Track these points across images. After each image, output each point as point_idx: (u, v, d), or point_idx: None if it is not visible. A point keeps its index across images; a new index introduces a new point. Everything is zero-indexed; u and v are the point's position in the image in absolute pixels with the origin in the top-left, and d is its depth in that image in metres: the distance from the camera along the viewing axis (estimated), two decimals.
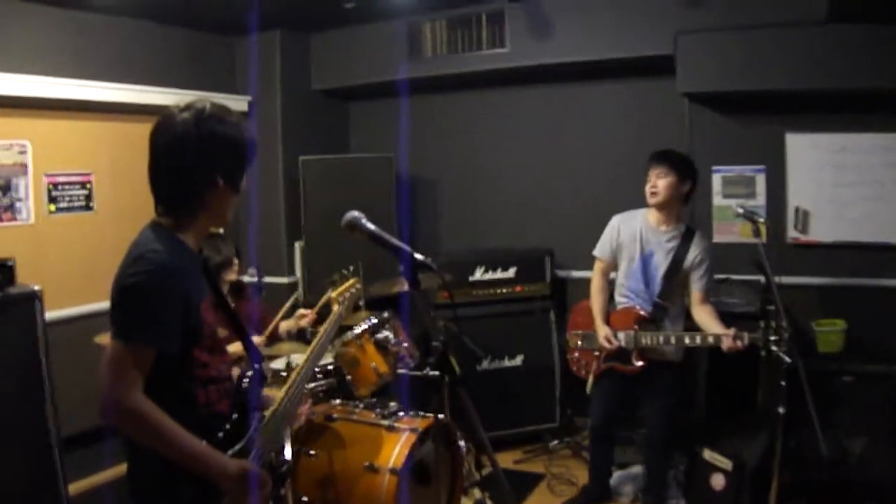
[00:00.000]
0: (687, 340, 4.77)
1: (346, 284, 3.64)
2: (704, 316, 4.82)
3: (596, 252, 5.30)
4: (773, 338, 4.31)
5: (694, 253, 4.87)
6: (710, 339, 4.64)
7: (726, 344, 4.52)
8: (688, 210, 5.19)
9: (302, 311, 5.17)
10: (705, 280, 4.87)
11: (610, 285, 5.26)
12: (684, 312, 5.02)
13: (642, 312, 4.96)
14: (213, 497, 2.44)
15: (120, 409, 2.26)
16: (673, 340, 4.81)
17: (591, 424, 5.47)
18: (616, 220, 5.20)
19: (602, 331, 5.07)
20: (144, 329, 2.31)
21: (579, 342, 5.31)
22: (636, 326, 4.93)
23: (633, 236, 5.06)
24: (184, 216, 2.53)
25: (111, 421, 2.28)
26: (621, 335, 4.96)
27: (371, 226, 2.73)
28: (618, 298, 5.17)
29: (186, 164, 2.47)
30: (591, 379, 5.21)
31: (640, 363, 4.94)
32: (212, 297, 2.63)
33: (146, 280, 2.32)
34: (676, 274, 4.89)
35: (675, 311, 4.98)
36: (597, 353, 5.13)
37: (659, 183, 4.90)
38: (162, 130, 2.50)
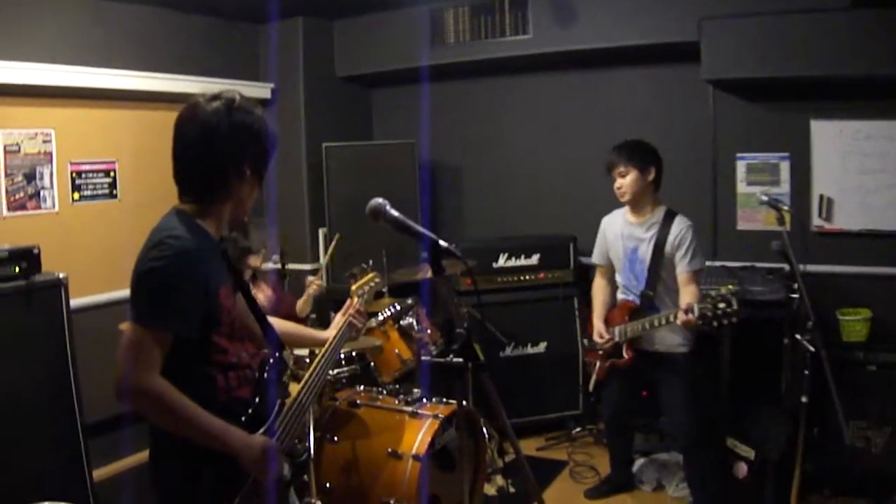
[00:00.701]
0: (655, 323, 4.69)
1: (366, 278, 3.65)
2: (685, 297, 4.67)
3: (593, 259, 5.36)
4: (721, 305, 4.24)
5: (673, 235, 4.77)
6: (671, 318, 4.55)
7: (680, 319, 4.44)
8: (663, 195, 5.02)
9: (310, 277, 5.21)
10: (687, 260, 4.72)
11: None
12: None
13: (633, 305, 4.94)
14: (235, 482, 2.47)
15: (139, 391, 2.29)
16: (648, 326, 4.73)
17: (604, 419, 5.50)
18: (603, 224, 5.23)
19: (596, 327, 5.08)
20: (163, 313, 2.34)
21: (586, 343, 5.37)
22: (626, 318, 4.92)
23: (617, 235, 5.05)
24: (209, 204, 2.56)
25: (129, 403, 2.31)
26: (615, 330, 4.96)
27: (395, 213, 2.72)
28: (619, 296, 5.15)
29: (217, 152, 2.50)
30: (593, 378, 5.24)
31: (628, 355, 4.92)
32: (232, 284, 2.64)
33: (166, 265, 2.34)
34: (660, 260, 4.81)
35: (667, 298, 4.87)
36: (600, 353, 5.11)
37: (622, 182, 4.87)
38: (190, 119, 2.53)
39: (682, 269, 4.74)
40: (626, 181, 4.85)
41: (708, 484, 4.93)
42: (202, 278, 2.42)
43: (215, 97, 2.55)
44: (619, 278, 5.13)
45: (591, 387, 5.30)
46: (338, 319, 3.41)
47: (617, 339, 4.94)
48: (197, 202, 2.56)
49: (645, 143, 4.94)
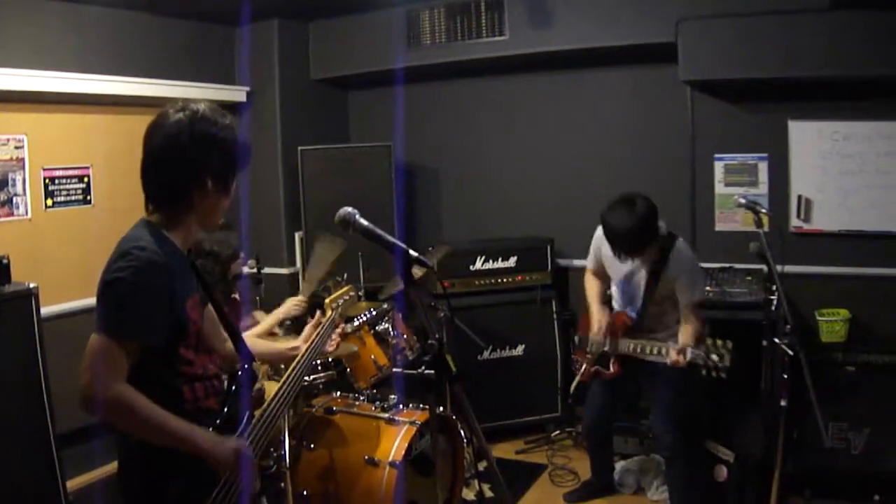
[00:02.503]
0: (647, 350, 4.65)
1: (340, 291, 3.65)
2: (684, 333, 4.60)
3: (587, 264, 5.22)
4: (714, 358, 4.20)
5: (670, 269, 4.65)
6: (664, 352, 4.51)
7: (671, 357, 4.41)
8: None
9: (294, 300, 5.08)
10: (689, 293, 4.61)
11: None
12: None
13: (629, 321, 4.86)
14: (202, 492, 2.45)
15: (105, 399, 2.27)
16: (639, 350, 4.70)
17: (583, 426, 5.46)
18: (597, 237, 4.99)
19: (595, 316, 5.00)
20: (127, 323, 2.33)
21: (576, 341, 5.29)
22: (620, 334, 4.86)
23: (614, 255, 4.79)
24: (172, 215, 2.55)
25: (95, 413, 2.28)
26: (607, 340, 4.89)
27: (365, 222, 2.69)
28: (614, 307, 5.07)
29: (176, 163, 2.50)
30: (576, 380, 5.19)
31: (615, 369, 4.89)
32: (200, 296, 2.63)
33: (130, 275, 2.33)
34: (654, 289, 4.71)
35: (661, 320, 4.80)
36: (588, 355, 5.05)
37: (639, 261, 4.72)
38: (155, 129, 2.53)
39: (684, 301, 4.64)
40: (641, 259, 4.70)
41: (688, 488, 4.90)
42: (168, 289, 2.41)
43: (182, 108, 2.54)
44: (613, 291, 5.06)
45: (572, 388, 5.26)
46: (307, 332, 3.38)
47: (607, 348, 4.89)
48: (162, 213, 2.55)
49: (644, 226, 4.52)
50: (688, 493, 4.89)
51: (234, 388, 2.66)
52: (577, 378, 5.17)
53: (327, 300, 3.56)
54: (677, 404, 4.81)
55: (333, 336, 3.48)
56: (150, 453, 2.38)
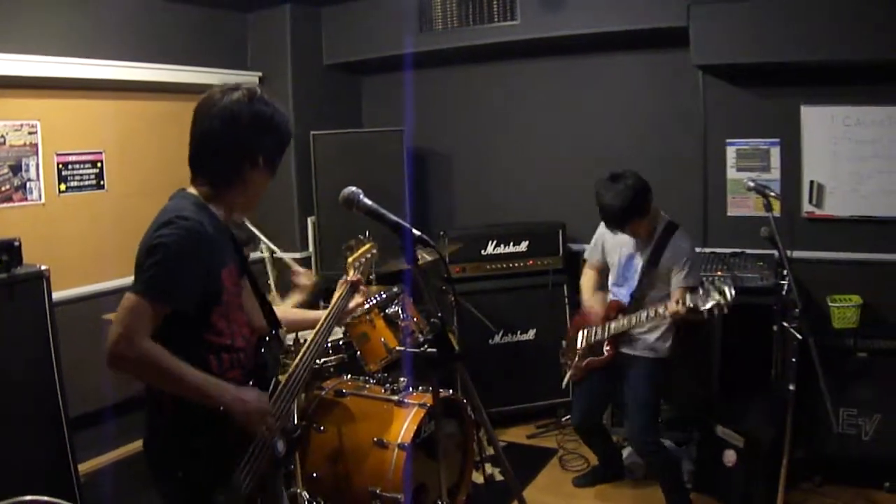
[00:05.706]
0: (644, 315, 4.59)
1: (362, 249, 3.63)
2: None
3: (586, 255, 5.26)
4: (715, 296, 4.12)
5: (667, 255, 4.62)
6: (661, 310, 4.46)
7: (670, 308, 4.37)
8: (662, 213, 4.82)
9: (298, 268, 4.77)
10: (682, 276, 4.56)
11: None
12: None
13: (621, 304, 4.84)
14: (229, 449, 2.56)
15: (132, 354, 2.34)
16: (635, 321, 4.64)
17: (573, 425, 5.44)
18: (602, 229, 5.02)
19: (585, 303, 5.10)
20: (162, 286, 2.40)
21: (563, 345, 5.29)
22: (613, 315, 4.85)
23: (618, 242, 4.90)
24: (221, 189, 2.68)
25: (122, 369, 2.36)
26: (598, 329, 4.89)
27: (368, 202, 2.73)
28: (609, 297, 5.05)
29: (236, 138, 2.62)
30: (568, 374, 5.17)
31: (609, 353, 4.87)
32: (238, 266, 2.72)
33: (172, 241, 2.42)
34: (652, 273, 4.69)
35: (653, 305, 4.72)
36: (579, 349, 5.02)
37: (633, 234, 4.74)
38: (210, 108, 2.64)
39: (675, 285, 4.60)
40: (634, 231, 4.72)
41: (667, 475, 4.92)
42: (206, 257, 2.51)
43: (234, 88, 2.66)
44: (610, 280, 5.06)
45: (564, 383, 5.24)
46: (336, 295, 3.41)
47: (600, 336, 4.88)
48: (210, 186, 2.66)
49: (630, 195, 4.54)
50: (666, 478, 4.92)
51: (263, 350, 2.76)
52: (568, 376, 5.16)
53: (349, 259, 3.56)
54: (646, 403, 4.83)
55: (357, 295, 3.49)
56: (178, 422, 2.51)
